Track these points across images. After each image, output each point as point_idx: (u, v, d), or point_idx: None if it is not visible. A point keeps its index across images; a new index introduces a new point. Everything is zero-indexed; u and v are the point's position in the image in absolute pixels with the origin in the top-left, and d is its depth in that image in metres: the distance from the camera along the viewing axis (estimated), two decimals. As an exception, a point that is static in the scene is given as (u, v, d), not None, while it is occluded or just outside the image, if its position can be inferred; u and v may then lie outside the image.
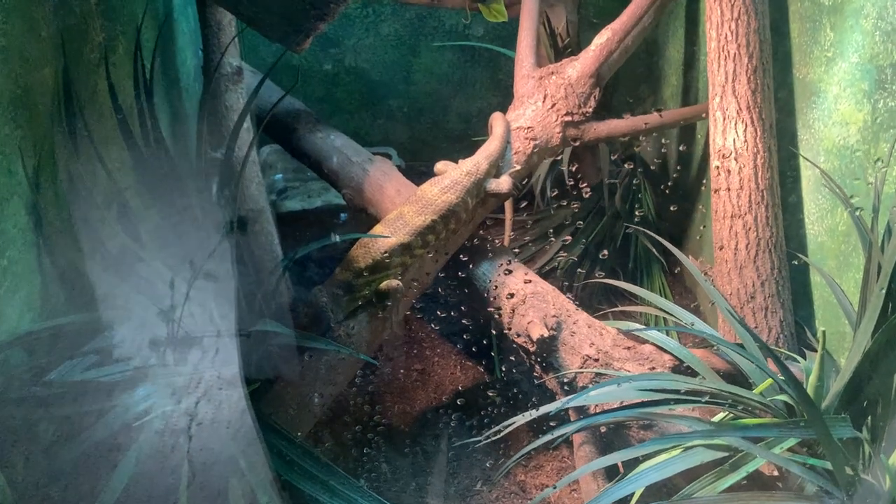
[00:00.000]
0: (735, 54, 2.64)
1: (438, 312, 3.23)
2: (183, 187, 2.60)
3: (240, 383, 2.10)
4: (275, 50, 4.02)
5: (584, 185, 3.35)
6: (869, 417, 2.07)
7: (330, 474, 2.01)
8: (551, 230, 3.57)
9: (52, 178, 2.08)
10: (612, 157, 3.62)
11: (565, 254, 3.38)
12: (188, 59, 3.36)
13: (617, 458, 2.10)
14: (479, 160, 2.68)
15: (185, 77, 3.30)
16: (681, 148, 3.57)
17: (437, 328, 3.30)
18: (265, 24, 2.24)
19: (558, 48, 3.49)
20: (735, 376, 2.41)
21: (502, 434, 2.28)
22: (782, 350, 2.54)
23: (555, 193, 3.48)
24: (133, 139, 2.44)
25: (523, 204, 3.62)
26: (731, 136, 2.63)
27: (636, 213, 3.52)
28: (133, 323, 2.13)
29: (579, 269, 3.37)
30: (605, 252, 3.33)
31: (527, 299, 2.61)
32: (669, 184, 3.60)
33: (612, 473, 2.42)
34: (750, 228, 2.58)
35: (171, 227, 2.44)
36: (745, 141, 2.61)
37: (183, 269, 2.26)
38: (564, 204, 3.55)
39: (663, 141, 3.74)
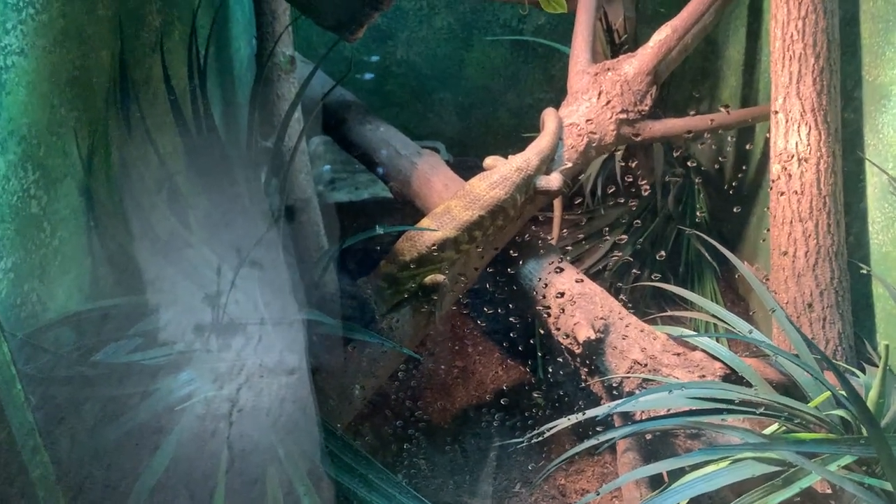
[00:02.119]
0: (801, 54, 2.54)
1: (483, 310, 3.19)
2: (233, 175, 2.60)
3: (282, 372, 2.09)
4: (327, 41, 4.03)
5: (643, 182, 3.26)
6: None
7: (369, 468, 1.99)
8: (606, 229, 3.49)
9: (104, 160, 2.09)
10: (674, 155, 3.52)
11: (618, 253, 3.31)
12: (241, 47, 3.37)
13: (662, 466, 2.04)
14: (529, 156, 2.63)
15: (238, 66, 3.32)
16: (748, 147, 3.46)
17: (480, 326, 3.26)
18: (320, 12, 2.23)
19: (615, 45, 3.42)
20: (789, 388, 2.32)
21: (545, 436, 2.23)
22: (840, 363, 2.43)
23: (612, 190, 3.40)
24: (186, 125, 2.45)
25: (577, 201, 3.55)
26: (793, 139, 2.53)
27: (696, 215, 3.43)
28: (179, 307, 2.14)
29: (630, 272, 3.30)
30: (663, 253, 3.25)
31: (575, 300, 2.55)
32: (725, 186, 3.50)
33: (655, 483, 2.35)
34: (810, 235, 2.48)
35: (220, 213, 2.45)
36: (809, 144, 2.51)
37: (230, 255, 2.27)
38: (615, 204, 3.48)
39: (727, 140, 3.63)
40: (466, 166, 3.33)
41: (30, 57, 1.69)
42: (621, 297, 2.64)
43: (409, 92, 4.14)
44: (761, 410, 2.07)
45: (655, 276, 3.20)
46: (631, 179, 3.31)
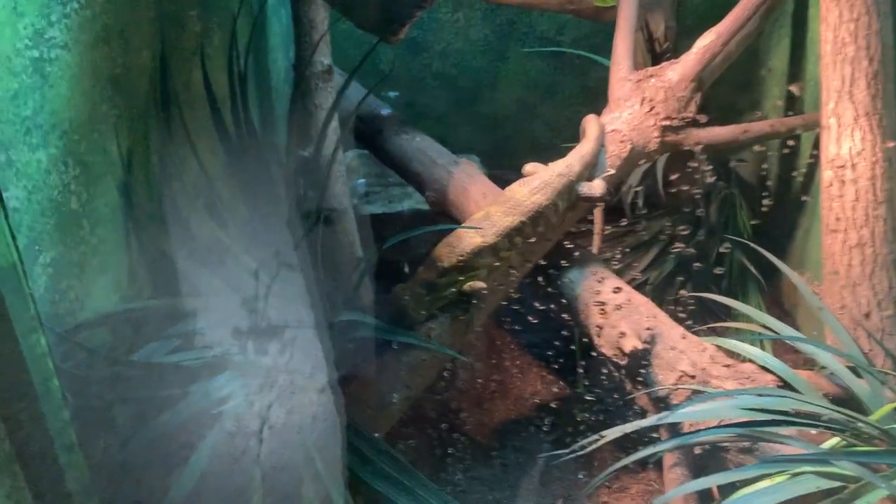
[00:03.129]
0: (853, 57, 2.46)
1: (521, 321, 3.12)
2: (271, 181, 2.58)
3: (320, 377, 2.04)
4: (362, 51, 4.02)
5: (691, 189, 3.18)
6: None
7: (412, 478, 1.92)
8: (651, 237, 3.41)
9: (144, 161, 2.08)
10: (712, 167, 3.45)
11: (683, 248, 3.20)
12: (278, 57, 3.37)
13: (714, 481, 1.95)
14: (571, 162, 2.58)
15: (275, 75, 3.31)
16: (784, 151, 3.37)
17: (518, 337, 3.19)
18: (360, 13, 2.21)
19: (656, 53, 3.36)
20: (846, 401, 2.21)
21: (588, 450, 2.15)
22: (901, 376, 2.33)
23: (654, 200, 3.32)
24: (225, 130, 2.43)
25: (618, 212, 3.48)
26: (846, 144, 2.45)
27: (739, 226, 3.34)
28: (216, 311, 2.10)
29: (672, 284, 3.21)
30: (720, 270, 3.15)
31: (619, 310, 2.47)
32: (768, 196, 3.41)
33: (705, 499, 2.25)
34: (866, 243, 2.38)
35: (258, 219, 2.42)
36: (863, 149, 2.42)
37: (268, 260, 2.23)
38: (657, 214, 3.40)
39: (770, 149, 3.54)
40: (502, 179, 3.27)
41: (73, 51, 1.68)
42: (666, 307, 2.55)
43: (444, 104, 4.11)
44: (825, 420, 1.96)
45: (711, 288, 3.11)
46: (673, 190, 3.24)
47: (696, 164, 3.32)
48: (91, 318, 1.75)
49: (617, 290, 2.56)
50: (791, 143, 3.37)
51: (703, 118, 2.90)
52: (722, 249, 3.35)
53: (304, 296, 2.30)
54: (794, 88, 2.53)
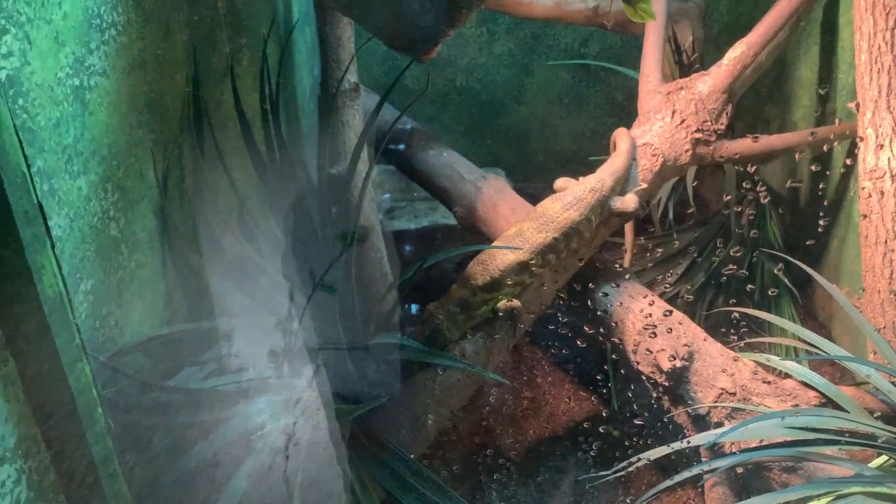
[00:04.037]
0: (890, 66, 2.42)
1: (552, 338, 3.09)
2: (303, 201, 2.58)
3: (356, 400, 2.03)
4: (387, 70, 4.03)
5: (719, 201, 3.15)
6: None
7: (447, 499, 1.90)
8: (686, 249, 3.37)
9: (178, 183, 2.08)
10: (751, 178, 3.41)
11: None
12: (304, 74, 3.38)
13: (760, 502, 1.90)
14: (603, 176, 2.55)
15: (301, 94, 3.32)
16: (812, 166, 3.34)
17: (550, 354, 3.15)
18: (391, 33, 2.19)
19: (683, 65, 3.33)
20: (891, 418, 2.16)
21: (629, 469, 2.11)
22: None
23: (689, 211, 3.29)
24: (257, 150, 2.43)
25: (648, 227, 3.45)
26: (885, 154, 2.40)
27: (771, 238, 3.30)
28: (251, 333, 2.10)
29: (704, 298, 3.17)
30: (751, 286, 3.11)
31: (655, 326, 2.44)
32: (801, 208, 3.36)
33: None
34: (907, 255, 2.34)
35: (290, 238, 2.41)
36: (902, 160, 2.38)
37: (301, 281, 2.22)
38: (688, 228, 3.36)
39: (801, 161, 3.50)
40: (527, 193, 3.25)
41: (111, 78, 1.68)
42: (700, 321, 2.51)
43: (468, 119, 4.10)
44: (872, 438, 1.92)
45: (732, 302, 3.07)
46: (696, 205, 3.20)
47: (725, 177, 3.29)
48: (130, 344, 1.75)
49: (652, 305, 2.52)
50: (824, 151, 3.33)
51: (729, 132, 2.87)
52: (753, 262, 3.30)
53: (338, 314, 2.29)
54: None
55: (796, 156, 3.22)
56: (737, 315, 2.85)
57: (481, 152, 4.13)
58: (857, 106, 2.50)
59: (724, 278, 3.26)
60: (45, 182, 1.43)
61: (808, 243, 3.14)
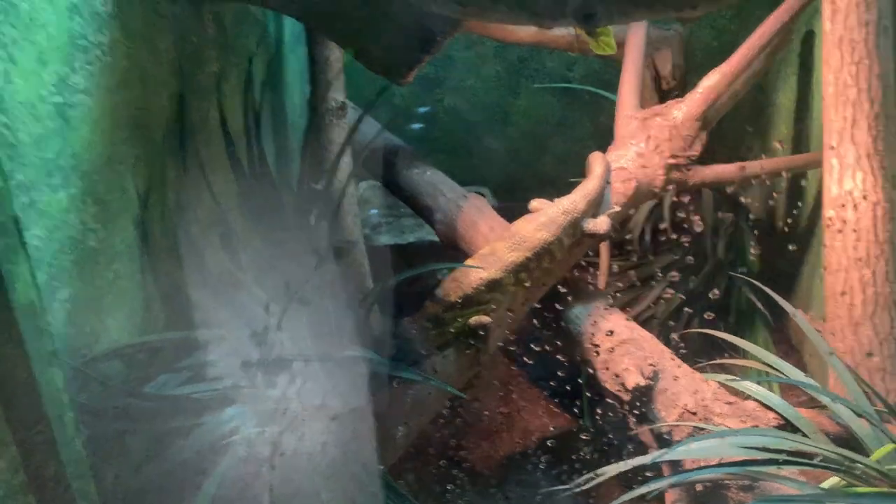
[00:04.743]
0: (855, 100, 2.50)
1: (528, 355, 3.15)
2: (284, 216, 2.65)
3: (329, 411, 2.09)
4: (376, 88, 4.11)
5: (696, 218, 3.23)
6: None
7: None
8: (658, 273, 3.44)
9: (160, 197, 2.15)
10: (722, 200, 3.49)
11: (670, 292, 3.25)
12: (295, 93, 3.46)
13: (714, 519, 1.97)
14: (576, 199, 2.63)
15: (292, 111, 3.40)
16: (774, 194, 3.41)
17: (525, 371, 3.22)
18: (370, 56, 2.27)
19: (663, 92, 3.42)
20: (847, 441, 2.22)
21: (591, 484, 2.17)
22: (902, 416, 2.33)
23: (661, 236, 3.36)
24: (240, 166, 2.51)
25: (626, 247, 3.52)
26: (848, 184, 2.48)
27: (747, 260, 3.37)
28: (227, 344, 2.16)
29: (679, 319, 3.23)
30: (716, 291, 3.19)
31: (623, 345, 2.51)
32: (777, 232, 3.44)
33: (707, 536, 2.26)
34: (868, 282, 2.41)
35: (271, 252, 2.48)
36: (864, 190, 2.45)
37: (278, 293, 2.29)
38: (665, 249, 3.43)
39: (779, 184, 3.58)
40: (512, 211, 3.33)
41: (94, 96, 1.76)
42: (672, 343, 2.58)
43: (456, 138, 4.19)
44: (818, 462, 1.98)
45: (708, 316, 3.13)
46: (673, 228, 3.28)
47: (703, 200, 3.36)
48: (106, 351, 1.82)
49: (622, 325, 2.59)
50: (800, 178, 3.41)
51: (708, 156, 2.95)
52: (730, 284, 3.37)
53: (316, 327, 2.36)
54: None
55: (766, 181, 3.30)
56: (711, 337, 2.92)
57: (468, 171, 4.21)
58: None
59: (699, 301, 3.33)
60: (24, 195, 1.50)
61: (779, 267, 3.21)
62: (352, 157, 3.02)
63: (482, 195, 3.53)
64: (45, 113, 1.57)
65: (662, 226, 3.42)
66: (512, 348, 3.24)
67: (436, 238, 3.55)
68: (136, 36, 1.95)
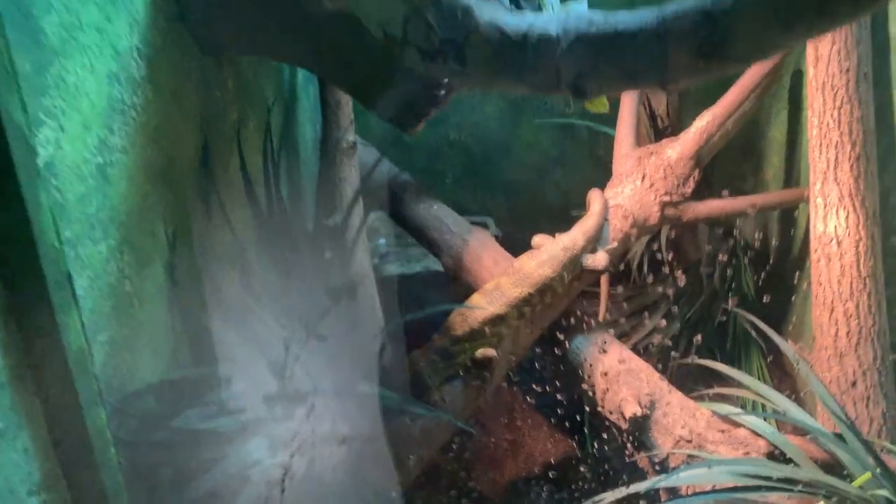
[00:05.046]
0: (837, 142, 2.66)
1: (531, 385, 3.29)
2: (300, 253, 2.80)
3: (346, 441, 2.22)
4: (385, 126, 4.27)
5: (683, 262, 3.38)
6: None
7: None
8: (655, 303, 3.58)
9: (186, 239, 2.30)
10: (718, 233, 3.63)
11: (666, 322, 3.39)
12: (308, 130, 3.63)
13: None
14: (576, 236, 2.78)
15: (304, 150, 3.56)
16: (795, 214, 3.55)
17: (529, 400, 3.35)
18: (382, 107, 2.43)
19: (658, 130, 3.57)
20: (833, 467, 2.35)
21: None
22: (884, 443, 2.46)
23: (661, 268, 3.51)
24: (260, 208, 2.66)
25: (624, 279, 3.66)
26: (832, 222, 2.63)
27: (741, 292, 3.51)
28: (249, 378, 2.30)
29: (674, 352, 3.37)
30: (699, 337, 3.34)
31: (621, 376, 2.64)
32: (769, 263, 3.58)
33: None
34: (851, 316, 2.55)
35: (288, 288, 2.63)
36: (847, 228, 2.60)
37: (296, 328, 2.44)
38: (662, 281, 3.58)
39: (772, 217, 3.72)
40: (515, 241, 3.47)
41: (129, 153, 1.91)
42: (670, 372, 2.72)
43: (460, 170, 4.35)
44: (802, 488, 2.11)
45: (699, 342, 3.27)
46: (670, 261, 3.42)
47: (698, 233, 3.50)
48: (140, 389, 1.96)
49: (620, 356, 2.73)
50: (791, 213, 3.56)
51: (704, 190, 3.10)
52: (725, 314, 3.51)
53: (330, 360, 2.50)
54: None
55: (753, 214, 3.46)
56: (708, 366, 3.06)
57: (472, 202, 4.37)
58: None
59: (696, 330, 3.46)
60: (71, 249, 1.65)
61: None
62: (363, 192, 3.18)
63: (486, 225, 3.68)
64: (88, 173, 1.72)
65: (659, 257, 3.57)
66: (516, 379, 3.39)
67: (441, 268, 3.70)
68: (166, 94, 2.11)
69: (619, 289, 3.72)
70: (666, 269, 3.50)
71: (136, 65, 1.95)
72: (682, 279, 3.54)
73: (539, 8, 1.75)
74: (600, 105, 1.88)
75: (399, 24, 1.62)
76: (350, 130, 3.25)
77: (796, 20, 1.19)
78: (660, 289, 3.63)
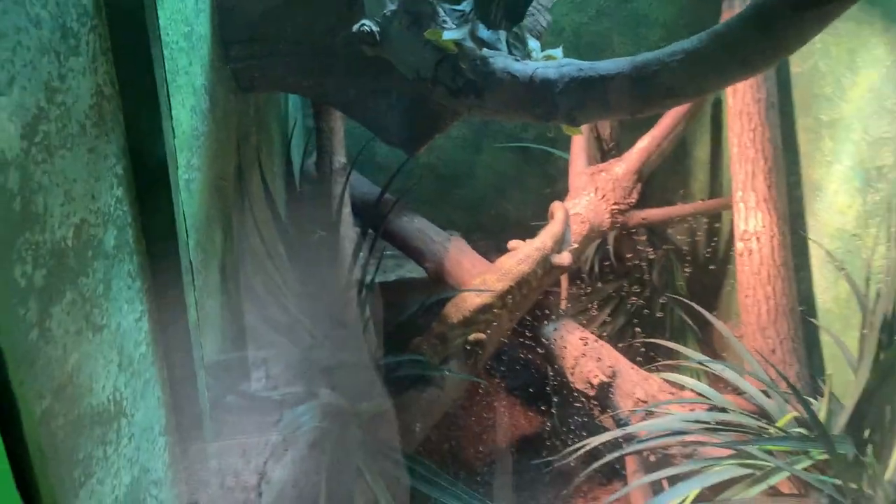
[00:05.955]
0: (753, 157, 3.29)
1: (508, 367, 3.80)
2: (309, 258, 3.25)
3: (371, 407, 2.69)
4: (366, 150, 4.75)
5: (633, 256, 3.97)
6: (869, 446, 2.59)
7: (453, 484, 2.57)
8: (606, 296, 4.15)
9: (230, 245, 2.73)
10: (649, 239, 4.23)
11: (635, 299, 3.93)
12: (298, 146, 4.08)
13: (662, 474, 2.64)
14: (545, 239, 3.32)
15: (296, 168, 4.01)
16: (694, 233, 4.18)
17: (505, 382, 3.86)
18: (389, 133, 2.92)
19: (604, 151, 4.17)
20: (760, 416, 2.93)
21: (565, 462, 2.82)
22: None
23: (618, 260, 4.08)
24: (280, 219, 3.11)
25: (579, 278, 4.22)
26: (752, 222, 3.25)
27: (676, 286, 4.11)
28: (282, 359, 2.74)
29: (625, 335, 3.94)
30: (638, 329, 3.92)
31: (586, 354, 3.18)
32: (699, 262, 4.20)
33: (658, 492, 2.92)
34: (770, 297, 3.16)
35: (308, 291, 3.08)
36: (764, 226, 3.22)
37: (321, 318, 2.89)
38: (610, 279, 4.16)
39: (701, 223, 4.36)
40: (479, 249, 3.99)
41: (201, 171, 2.35)
42: (622, 352, 3.27)
43: (430, 190, 4.84)
44: (743, 427, 2.68)
45: (641, 332, 3.85)
46: (617, 260, 4.01)
47: (639, 237, 4.10)
48: (208, 363, 2.38)
49: (582, 339, 3.27)
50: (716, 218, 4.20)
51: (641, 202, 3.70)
52: (664, 306, 4.11)
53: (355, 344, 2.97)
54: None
55: (690, 220, 4.08)
56: (650, 345, 3.64)
57: (441, 217, 4.83)
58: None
59: (639, 320, 4.05)
60: (175, 246, 2.08)
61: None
62: (352, 208, 3.65)
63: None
64: (182, 186, 2.15)
65: (607, 263, 4.15)
66: (495, 363, 3.89)
67: (413, 276, 4.20)
68: (219, 124, 2.55)
69: (573, 289, 4.27)
70: (612, 270, 4.08)
71: (204, 99, 2.40)
72: (626, 278, 4.13)
73: (528, 56, 2.27)
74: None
75: (431, 67, 2.12)
76: (341, 153, 3.72)
77: (731, 70, 1.75)
78: (608, 286, 4.21)
